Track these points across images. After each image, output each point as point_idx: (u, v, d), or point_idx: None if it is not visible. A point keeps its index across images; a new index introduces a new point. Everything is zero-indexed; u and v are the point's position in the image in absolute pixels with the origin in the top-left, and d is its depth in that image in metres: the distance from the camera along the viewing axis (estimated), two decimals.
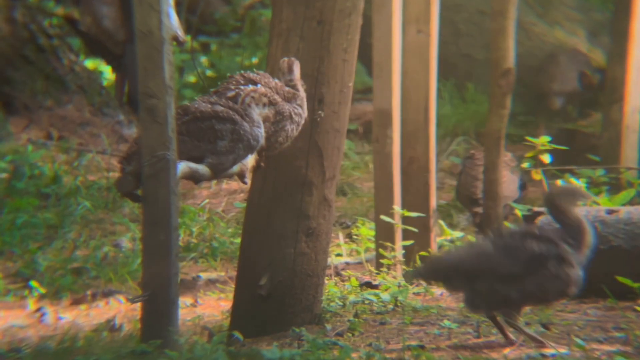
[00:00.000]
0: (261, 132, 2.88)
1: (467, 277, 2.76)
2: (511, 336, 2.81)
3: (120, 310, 3.71)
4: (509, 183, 4.21)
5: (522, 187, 4.27)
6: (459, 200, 4.50)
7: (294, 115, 2.93)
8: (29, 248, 4.25)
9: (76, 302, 3.83)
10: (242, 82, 2.92)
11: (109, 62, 6.02)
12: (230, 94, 2.89)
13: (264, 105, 2.89)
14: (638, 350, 2.79)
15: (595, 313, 3.09)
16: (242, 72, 2.95)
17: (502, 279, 2.71)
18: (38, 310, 3.75)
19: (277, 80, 2.96)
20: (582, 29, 6.36)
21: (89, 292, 3.85)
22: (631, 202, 4.03)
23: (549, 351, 2.76)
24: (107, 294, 3.83)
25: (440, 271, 2.82)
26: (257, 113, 2.88)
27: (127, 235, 4.43)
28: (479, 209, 4.08)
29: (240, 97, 2.87)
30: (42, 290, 3.89)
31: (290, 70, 2.97)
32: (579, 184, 4.06)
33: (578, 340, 2.79)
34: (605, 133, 4.82)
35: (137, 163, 2.81)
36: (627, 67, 4.72)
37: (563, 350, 2.76)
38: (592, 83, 6.10)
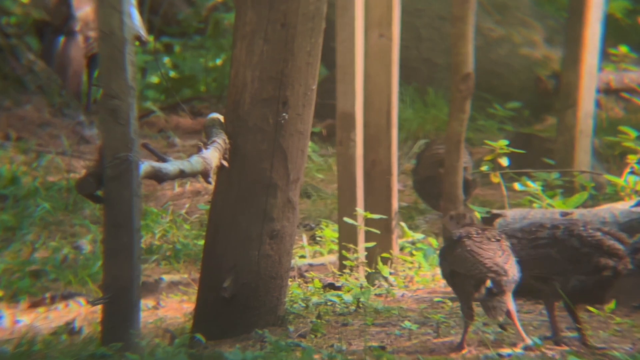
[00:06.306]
0: None
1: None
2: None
3: (80, 312, 3.66)
4: None
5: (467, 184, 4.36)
6: (415, 184, 4.60)
7: None
8: None
9: (34, 305, 3.76)
10: None
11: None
12: None
13: None
14: (590, 350, 2.88)
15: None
16: None
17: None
18: None
19: None
20: (539, 35, 6.51)
21: (47, 295, 3.78)
22: (584, 205, 4.14)
23: (505, 351, 2.82)
24: (66, 297, 3.78)
25: None
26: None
27: (87, 237, 4.37)
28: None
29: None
30: None
31: None
32: (534, 186, 4.16)
33: (534, 339, 2.87)
34: (559, 137, 4.94)
35: (99, 164, 2.78)
36: (581, 73, 4.84)
37: (518, 350, 2.83)
38: (548, 88, 6.24)
